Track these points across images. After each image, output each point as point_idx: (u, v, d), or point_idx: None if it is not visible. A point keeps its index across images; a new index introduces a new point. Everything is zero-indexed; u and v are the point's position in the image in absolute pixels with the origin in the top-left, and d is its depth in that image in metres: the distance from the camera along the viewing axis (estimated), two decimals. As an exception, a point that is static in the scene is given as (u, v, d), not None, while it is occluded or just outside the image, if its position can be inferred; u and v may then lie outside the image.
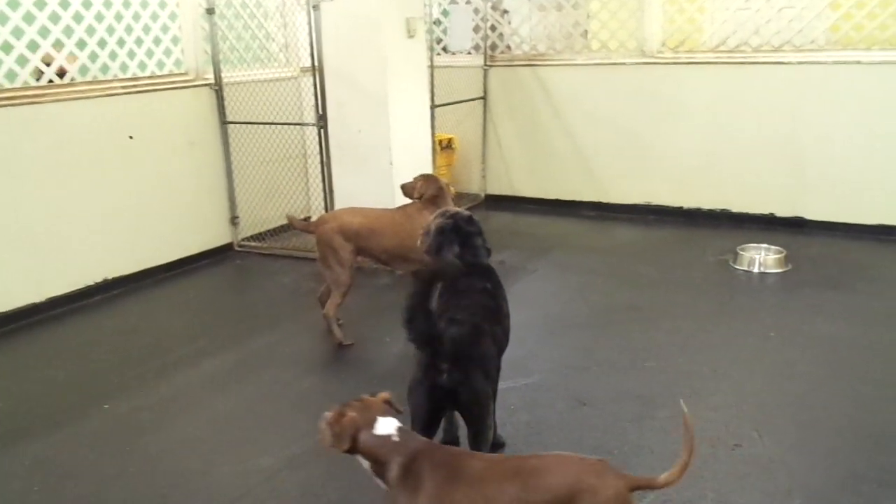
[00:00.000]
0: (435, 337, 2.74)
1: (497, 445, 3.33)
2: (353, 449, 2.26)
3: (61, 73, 5.28)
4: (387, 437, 2.27)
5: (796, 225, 6.67)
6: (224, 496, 3.10)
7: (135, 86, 5.65)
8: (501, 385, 3.25)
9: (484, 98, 7.84)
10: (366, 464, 2.28)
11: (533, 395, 3.88)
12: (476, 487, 2.17)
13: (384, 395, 2.41)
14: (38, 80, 5.18)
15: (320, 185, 6.24)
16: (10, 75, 5.02)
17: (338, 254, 4.47)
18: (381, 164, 5.73)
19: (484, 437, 2.89)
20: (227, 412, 3.84)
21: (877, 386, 3.89)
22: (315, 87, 5.81)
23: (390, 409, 2.37)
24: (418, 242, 3.48)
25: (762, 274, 5.62)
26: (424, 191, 4.72)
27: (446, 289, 3.16)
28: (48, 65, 5.22)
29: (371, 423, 2.28)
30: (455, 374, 2.76)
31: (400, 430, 2.30)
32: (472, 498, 2.15)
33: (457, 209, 3.45)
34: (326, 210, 6.10)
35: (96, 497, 3.17)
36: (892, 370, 4.07)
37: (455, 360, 2.76)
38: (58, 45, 5.23)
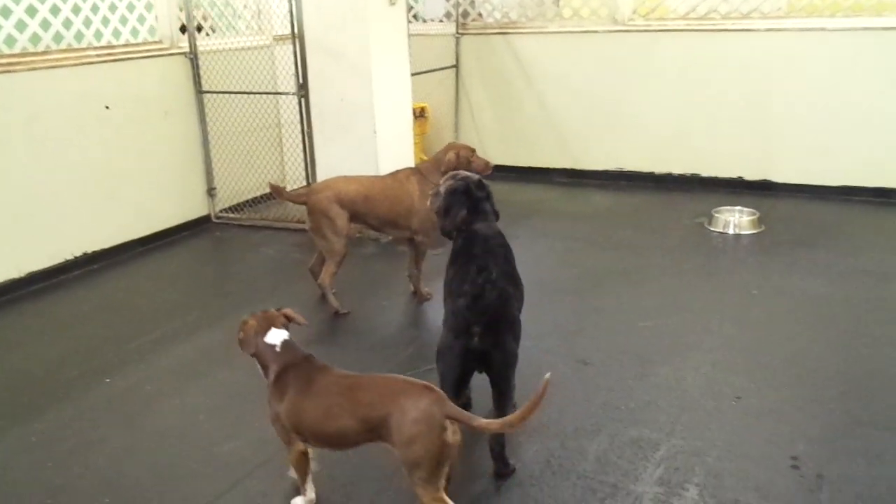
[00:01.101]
0: (478, 294, 2.83)
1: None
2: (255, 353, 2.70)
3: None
4: (272, 347, 2.69)
5: (765, 188, 6.87)
6: (239, 467, 3.11)
7: (110, 54, 5.52)
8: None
9: (456, 66, 7.85)
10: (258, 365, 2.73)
11: (534, 356, 3.94)
12: (321, 398, 2.57)
13: (286, 310, 2.80)
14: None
15: (297, 154, 6.20)
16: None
17: (334, 223, 4.47)
18: (364, 131, 5.71)
19: (508, 397, 2.97)
20: (231, 383, 3.83)
21: (859, 336, 4.07)
22: (295, 56, 5.75)
23: (287, 322, 2.77)
24: (427, 203, 3.51)
25: (737, 235, 5.79)
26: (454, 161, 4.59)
27: (462, 252, 3.20)
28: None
29: (265, 332, 2.70)
30: (488, 338, 2.82)
31: (284, 342, 2.71)
32: (317, 406, 2.56)
33: (467, 172, 3.48)
34: (308, 180, 6.07)
35: (110, 471, 3.16)
36: (870, 322, 4.26)
37: (487, 323, 2.82)
38: (31, 11, 5.08)
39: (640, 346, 4.05)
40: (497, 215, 3.39)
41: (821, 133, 6.61)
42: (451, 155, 4.56)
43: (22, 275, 5.08)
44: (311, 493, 2.80)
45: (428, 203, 3.50)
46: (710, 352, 3.96)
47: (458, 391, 2.92)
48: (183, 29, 6.04)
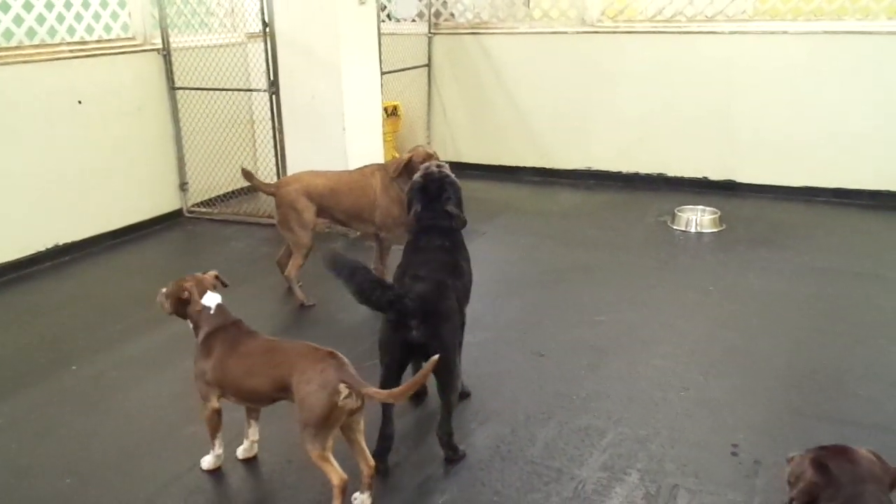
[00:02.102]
0: (399, 296, 2.89)
1: (463, 395, 3.53)
2: (181, 314, 2.95)
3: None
4: (207, 309, 2.93)
5: (729, 188, 7.03)
6: (199, 449, 3.16)
7: (82, 50, 5.59)
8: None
9: (428, 65, 7.95)
10: (190, 325, 2.98)
11: (493, 348, 4.08)
12: (244, 358, 2.83)
13: (213, 272, 3.05)
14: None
15: (268, 150, 6.29)
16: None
17: (301, 215, 4.57)
18: (334, 129, 5.80)
19: (452, 387, 3.06)
20: (197, 371, 3.92)
21: (808, 332, 4.22)
22: (266, 53, 5.84)
23: (219, 284, 3.03)
24: (387, 198, 3.62)
25: (699, 233, 5.94)
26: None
27: (407, 248, 3.32)
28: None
29: (201, 295, 2.94)
30: (424, 329, 2.91)
31: (218, 306, 2.95)
32: (239, 365, 2.83)
33: (440, 169, 3.52)
34: (278, 176, 6.16)
35: (74, 454, 3.25)
36: (819, 318, 4.42)
37: (423, 315, 2.91)
38: (4, 6, 5.13)
39: (595, 339, 4.17)
40: (456, 217, 3.39)
41: (784, 134, 6.77)
42: (404, 156, 4.64)
43: (-9, 266, 5.15)
44: (219, 448, 3.08)
45: (388, 199, 3.60)
46: (661, 345, 4.10)
47: (399, 378, 3.02)
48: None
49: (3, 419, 3.51)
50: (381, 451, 3.01)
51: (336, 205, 4.67)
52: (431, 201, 3.40)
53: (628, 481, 2.96)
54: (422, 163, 4.17)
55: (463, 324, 3.35)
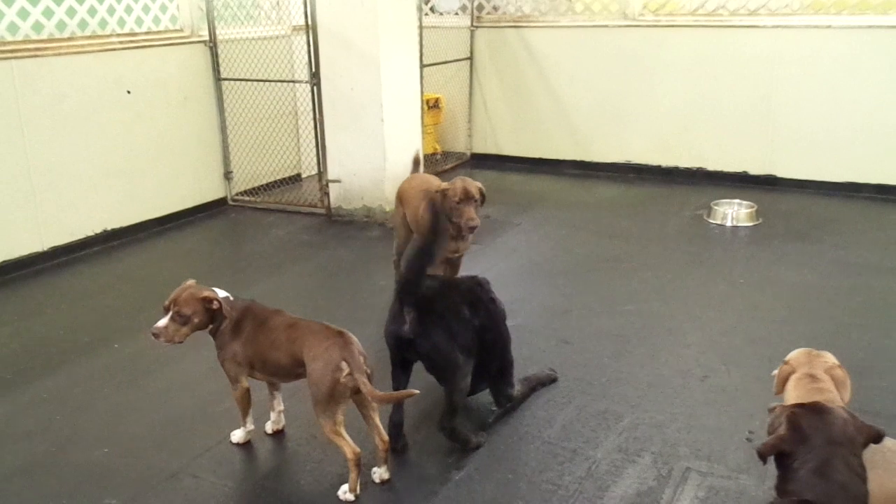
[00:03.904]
0: (409, 288, 2.96)
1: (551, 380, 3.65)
2: (206, 325, 3.02)
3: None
4: (226, 299, 3.01)
5: (769, 182, 6.98)
6: (229, 424, 3.30)
7: (132, 41, 5.80)
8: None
9: (470, 59, 8.03)
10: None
11: (519, 335, 4.12)
12: (270, 332, 2.94)
13: (191, 280, 3.09)
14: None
15: (312, 141, 6.44)
16: (12, 28, 5.16)
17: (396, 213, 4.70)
18: (372, 121, 5.92)
19: (451, 386, 3.05)
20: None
21: (834, 325, 4.21)
22: (308, 45, 5.98)
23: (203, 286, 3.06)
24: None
25: (734, 227, 5.92)
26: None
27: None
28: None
29: (214, 293, 2.99)
30: (415, 326, 2.95)
31: (228, 296, 3.04)
32: (267, 338, 2.93)
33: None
34: (318, 167, 6.33)
35: (111, 426, 3.42)
36: (847, 311, 4.40)
37: (420, 313, 2.95)
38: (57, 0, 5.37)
39: (620, 328, 4.22)
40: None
41: (825, 129, 6.70)
42: (440, 187, 4.13)
43: (45, 249, 5.38)
44: (249, 425, 3.22)
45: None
46: (685, 334, 4.13)
47: (399, 373, 3.10)
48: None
49: (48, 393, 3.70)
50: (392, 436, 3.06)
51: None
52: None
53: (641, 463, 3.02)
54: (458, 202, 3.93)
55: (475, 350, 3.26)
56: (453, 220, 3.97)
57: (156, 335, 2.94)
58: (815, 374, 2.32)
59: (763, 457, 2.13)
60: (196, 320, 2.97)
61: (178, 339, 2.98)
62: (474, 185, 4.02)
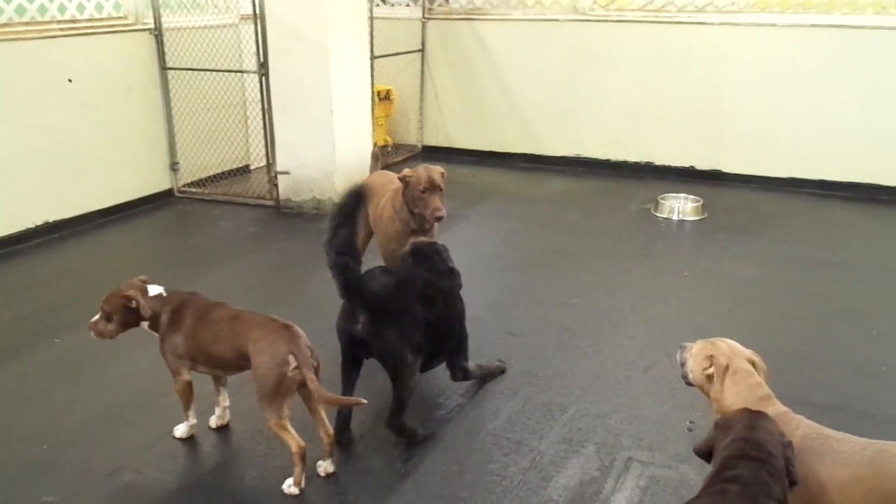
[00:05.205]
0: (357, 285, 2.87)
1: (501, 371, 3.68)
2: (133, 322, 2.99)
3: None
4: (158, 296, 3.00)
5: (715, 177, 7.10)
6: (172, 419, 3.25)
7: (73, 28, 5.66)
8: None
9: (422, 51, 8.02)
10: (145, 325, 3.01)
11: (468, 328, 4.14)
12: (212, 325, 2.91)
13: (142, 276, 3.09)
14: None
15: (260, 132, 6.36)
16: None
17: None
18: (322, 112, 5.87)
19: (399, 384, 3.01)
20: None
21: (775, 317, 4.32)
22: (256, 35, 5.91)
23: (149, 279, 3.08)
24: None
25: (681, 221, 6.02)
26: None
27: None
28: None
29: (144, 292, 2.99)
30: (369, 327, 2.91)
31: (162, 291, 3.03)
32: (209, 331, 2.90)
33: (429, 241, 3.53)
34: (267, 158, 6.25)
35: (52, 422, 3.35)
36: (788, 303, 4.52)
37: (372, 314, 2.92)
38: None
39: (567, 320, 4.27)
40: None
41: (770, 126, 6.85)
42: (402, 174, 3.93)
43: (-18, 241, 5.24)
44: (192, 419, 3.19)
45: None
46: (630, 327, 4.19)
47: (350, 370, 3.08)
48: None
49: (-15, 388, 3.61)
50: (338, 430, 3.05)
51: None
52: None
53: (584, 453, 3.06)
54: (423, 191, 3.75)
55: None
56: (417, 210, 3.80)
57: (91, 331, 2.96)
58: (747, 369, 2.37)
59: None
60: (117, 317, 2.97)
61: (108, 336, 3.01)
62: (437, 172, 3.85)
